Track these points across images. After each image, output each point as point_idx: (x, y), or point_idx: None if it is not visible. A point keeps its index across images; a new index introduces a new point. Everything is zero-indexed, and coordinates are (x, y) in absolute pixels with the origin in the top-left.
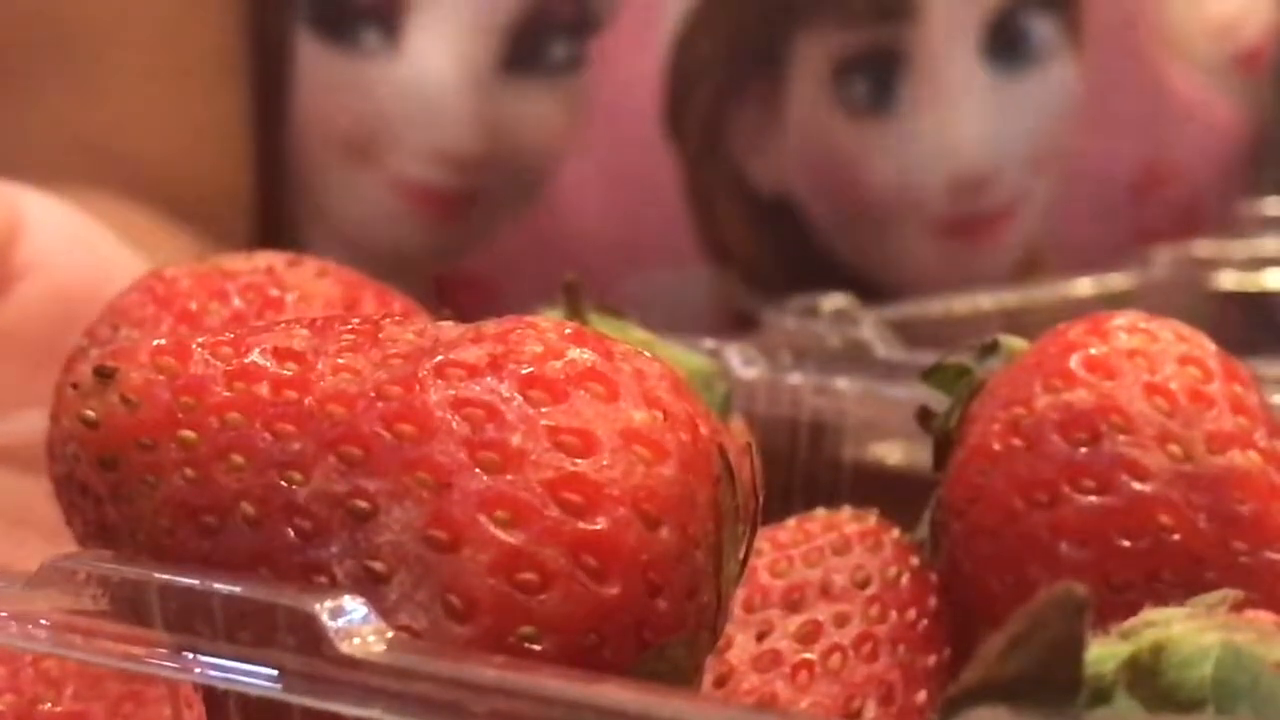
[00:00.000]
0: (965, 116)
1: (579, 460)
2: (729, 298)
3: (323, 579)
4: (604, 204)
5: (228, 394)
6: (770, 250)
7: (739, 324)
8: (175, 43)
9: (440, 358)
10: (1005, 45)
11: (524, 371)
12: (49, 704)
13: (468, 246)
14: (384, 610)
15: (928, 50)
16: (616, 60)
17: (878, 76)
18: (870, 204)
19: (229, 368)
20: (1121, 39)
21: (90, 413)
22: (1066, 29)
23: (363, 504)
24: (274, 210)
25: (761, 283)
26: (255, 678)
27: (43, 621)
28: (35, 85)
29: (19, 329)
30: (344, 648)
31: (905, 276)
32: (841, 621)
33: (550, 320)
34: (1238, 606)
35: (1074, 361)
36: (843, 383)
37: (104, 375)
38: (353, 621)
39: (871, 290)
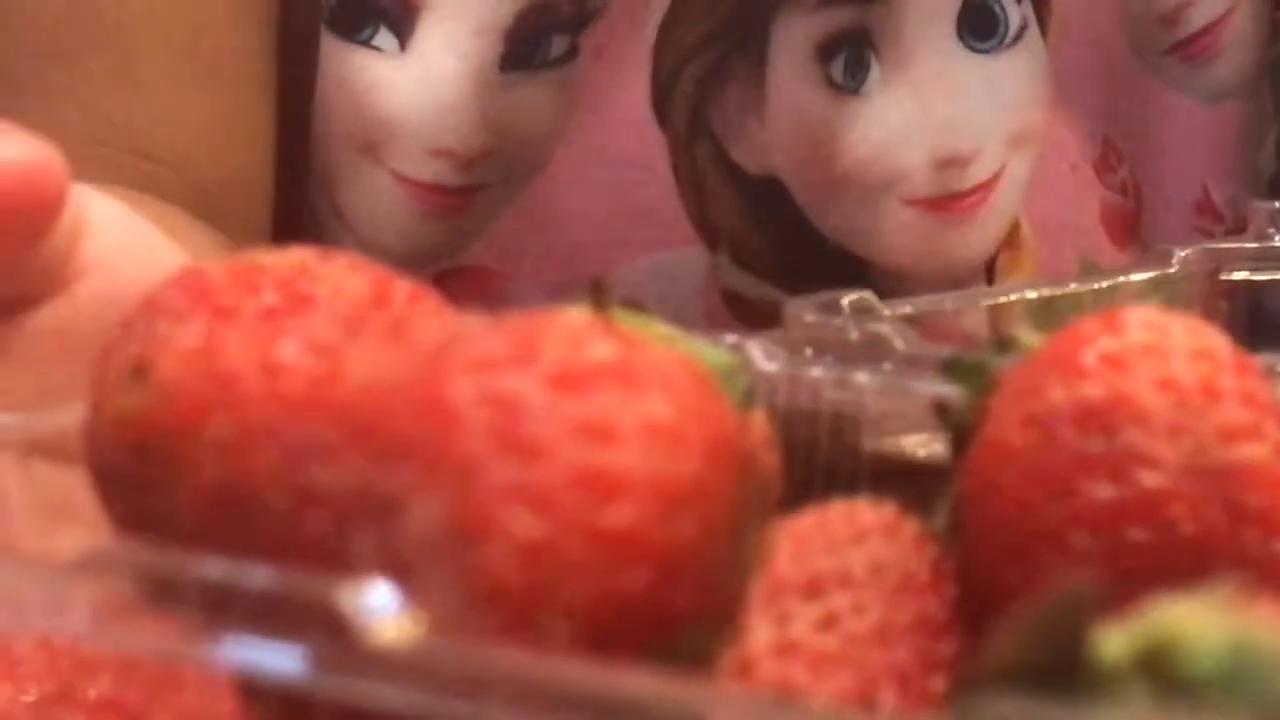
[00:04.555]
0: (943, 95)
1: (602, 452)
2: (722, 278)
3: (352, 569)
4: (598, 191)
5: (260, 387)
6: (759, 230)
7: (730, 303)
8: (205, 41)
9: (467, 351)
10: (979, 25)
11: (548, 365)
12: (86, 690)
13: (469, 240)
14: (411, 600)
15: (904, 29)
16: (608, 48)
17: (858, 56)
18: (853, 182)
19: (262, 361)
20: (1083, 23)
21: (125, 405)
22: (1035, 11)
23: (390, 495)
24: (297, 208)
25: (751, 262)
26: (286, 666)
27: (79, 609)
28: (67, 82)
29: (75, 328)
30: (373, 637)
31: (891, 253)
32: (859, 610)
33: (574, 315)
34: (1248, 597)
35: (1087, 355)
36: (862, 376)
37: (139, 368)
38: (381, 611)
39: (858, 267)
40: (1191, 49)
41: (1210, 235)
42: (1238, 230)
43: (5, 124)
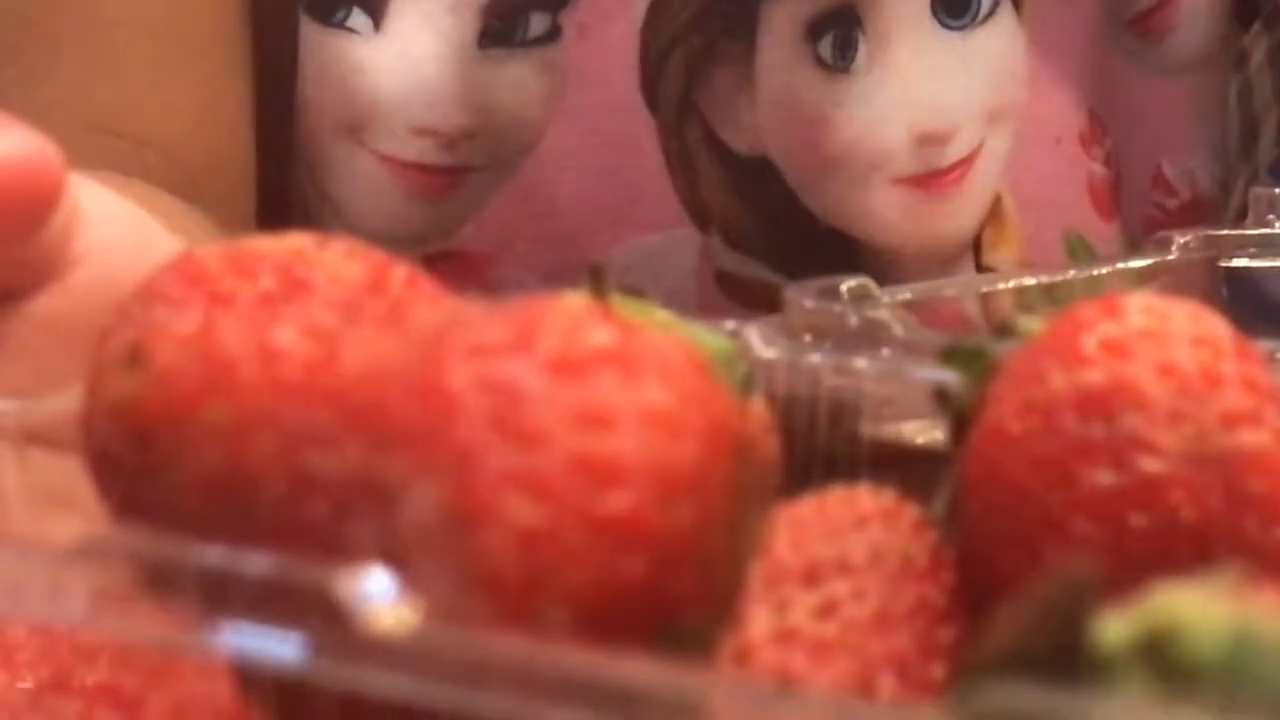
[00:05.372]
0: (920, 73)
1: (600, 439)
2: (714, 259)
3: (350, 556)
4: (587, 172)
5: (257, 373)
6: (750, 210)
7: (722, 283)
8: (184, 23)
9: (465, 337)
10: (952, 3)
11: (547, 351)
12: (83, 676)
13: (458, 222)
14: (409, 587)
15: (885, 8)
16: (593, 29)
17: (846, 35)
18: (842, 161)
19: (258, 347)
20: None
21: (122, 390)
22: None
23: (389, 482)
24: (284, 192)
25: (743, 243)
26: (283, 653)
27: (76, 596)
28: (46, 66)
29: (71, 317)
30: (371, 624)
31: (879, 232)
32: (859, 597)
33: (573, 301)
34: (1249, 584)
35: (1087, 342)
36: (861, 362)
37: (136, 353)
38: (379, 598)
39: (849, 246)
40: (1147, 23)
41: (1165, 210)
42: (1193, 204)
43: (2, 117)
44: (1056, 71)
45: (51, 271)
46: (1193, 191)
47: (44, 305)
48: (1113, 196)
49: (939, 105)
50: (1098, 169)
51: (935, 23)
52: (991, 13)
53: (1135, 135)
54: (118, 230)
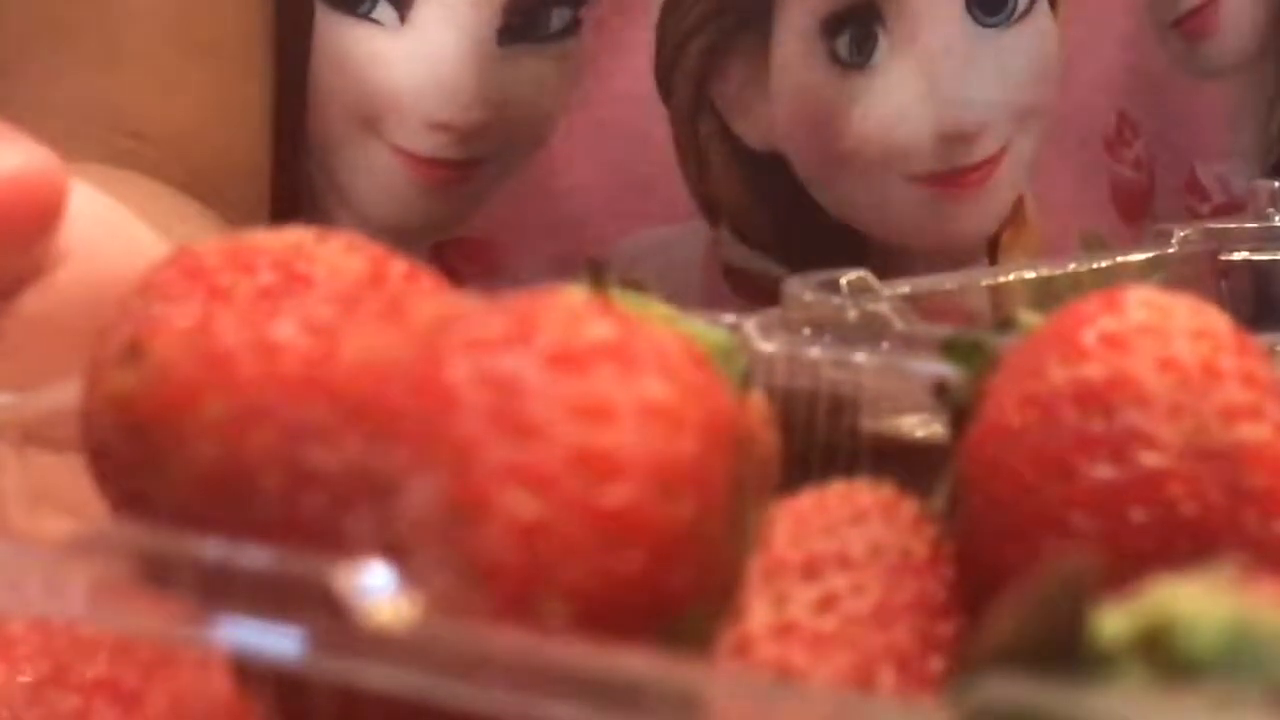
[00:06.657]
0: (949, 70)
1: (599, 432)
2: (723, 253)
3: (348, 550)
4: (599, 164)
5: (256, 367)
6: (761, 205)
7: (730, 278)
8: (198, 18)
9: (464, 331)
10: (986, 1)
11: (545, 345)
12: (82, 670)
13: (469, 212)
14: (408, 581)
15: (912, 4)
16: (610, 21)
17: (864, 32)
18: (857, 157)
19: (257, 341)
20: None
21: (121, 385)
22: None
23: (387, 476)
24: (294, 185)
25: (753, 237)
26: (282, 647)
27: (75, 590)
28: (58, 61)
29: (55, 315)
30: (370, 618)
31: (893, 229)
32: (858, 591)
33: (572, 294)
34: (1248, 578)
35: (1087, 335)
36: (861, 356)
37: (134, 348)
38: (378, 592)
39: (860, 242)
40: (1191, 24)
41: (1198, 213)
42: (1226, 208)
43: (5, 128)
44: (1087, 72)
45: (35, 270)
46: (1226, 195)
47: (27, 303)
48: (1140, 200)
49: (967, 102)
50: (1124, 172)
51: (970, 19)
52: (1028, 10)
53: (1170, 138)
54: (101, 228)
